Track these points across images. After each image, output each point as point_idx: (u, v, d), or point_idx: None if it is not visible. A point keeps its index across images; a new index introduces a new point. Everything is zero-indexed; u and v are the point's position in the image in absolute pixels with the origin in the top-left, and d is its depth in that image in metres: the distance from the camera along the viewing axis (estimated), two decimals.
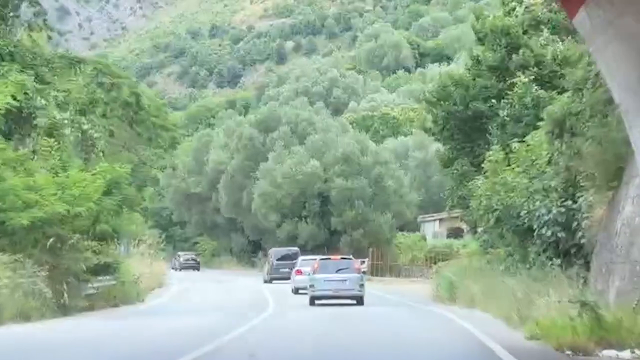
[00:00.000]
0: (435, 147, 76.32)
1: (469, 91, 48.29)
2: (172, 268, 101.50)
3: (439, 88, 50.07)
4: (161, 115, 68.55)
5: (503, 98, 45.43)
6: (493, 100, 46.39)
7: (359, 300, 40.37)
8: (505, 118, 43.91)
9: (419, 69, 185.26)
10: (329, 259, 44.03)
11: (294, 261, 60.53)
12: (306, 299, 42.24)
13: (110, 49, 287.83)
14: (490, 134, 45.35)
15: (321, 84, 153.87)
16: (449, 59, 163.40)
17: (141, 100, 58.73)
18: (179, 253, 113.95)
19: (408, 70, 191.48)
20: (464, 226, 75.56)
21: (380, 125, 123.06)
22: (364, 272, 50.75)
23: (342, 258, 44.99)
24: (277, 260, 72.04)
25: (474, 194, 38.25)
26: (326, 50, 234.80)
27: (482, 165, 40.14)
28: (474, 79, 48.67)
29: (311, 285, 40.70)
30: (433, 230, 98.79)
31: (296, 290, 52.03)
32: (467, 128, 49.01)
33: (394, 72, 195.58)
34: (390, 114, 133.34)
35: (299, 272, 52.82)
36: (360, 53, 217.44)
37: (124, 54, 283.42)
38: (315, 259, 46.45)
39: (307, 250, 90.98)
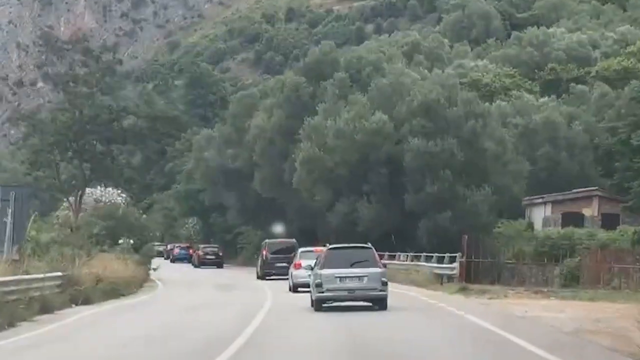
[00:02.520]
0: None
1: None
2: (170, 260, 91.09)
3: None
4: None
5: None
6: None
7: (381, 304, 29.31)
8: None
9: (514, 33, 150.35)
10: (341, 248, 30.84)
11: (291, 255, 49.05)
12: (307, 300, 31.15)
13: (184, 36, 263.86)
14: None
15: (400, 50, 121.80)
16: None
17: None
18: (200, 245, 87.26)
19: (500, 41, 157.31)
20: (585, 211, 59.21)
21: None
22: (451, 277, 39.19)
23: (358, 247, 31.03)
24: (272, 253, 56.69)
25: None
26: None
27: None
28: None
29: (317, 284, 29.11)
30: (543, 215, 65.85)
31: (294, 288, 41.86)
32: None
33: (485, 42, 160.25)
34: (481, 80, 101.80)
35: (298, 265, 42.43)
36: (446, 24, 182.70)
37: (197, 41, 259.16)
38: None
39: (371, 239, 59.37)
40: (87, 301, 34.40)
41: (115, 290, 39.66)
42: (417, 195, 59.33)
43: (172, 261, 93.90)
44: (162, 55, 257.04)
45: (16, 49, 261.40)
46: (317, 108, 64.89)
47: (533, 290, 38.27)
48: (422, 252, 51.89)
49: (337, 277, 28.93)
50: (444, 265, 43.49)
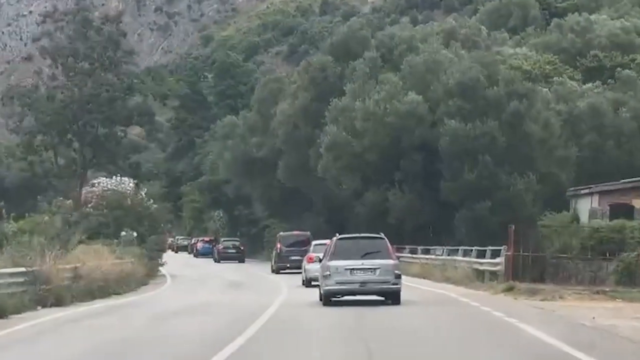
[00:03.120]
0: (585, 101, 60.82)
1: None
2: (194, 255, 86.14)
3: None
4: None
5: None
6: None
7: (394, 298, 27.03)
8: None
9: (554, 20, 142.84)
10: (352, 238, 28.21)
11: (305, 248, 45.12)
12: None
13: (219, 30, 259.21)
14: None
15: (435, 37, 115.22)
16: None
17: None
18: (221, 239, 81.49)
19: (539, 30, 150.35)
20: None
21: None
22: (494, 273, 33.77)
23: (370, 237, 28.31)
24: (286, 247, 53.80)
25: None
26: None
27: None
28: None
29: (325, 276, 26.86)
30: (589, 207, 58.63)
31: (308, 282, 38.46)
32: None
33: (523, 30, 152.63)
34: (521, 67, 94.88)
35: (311, 259, 38.60)
36: (482, 14, 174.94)
37: (231, 34, 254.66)
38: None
39: (404, 232, 53.67)
40: (60, 302, 28.37)
41: (103, 288, 33.60)
42: (453, 183, 52.90)
43: (196, 256, 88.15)
44: (195, 49, 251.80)
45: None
46: (344, 89, 58.53)
47: (593, 289, 31.69)
48: (459, 246, 45.54)
49: (347, 269, 26.57)
50: (486, 261, 36.98)
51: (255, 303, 29.62)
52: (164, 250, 54.52)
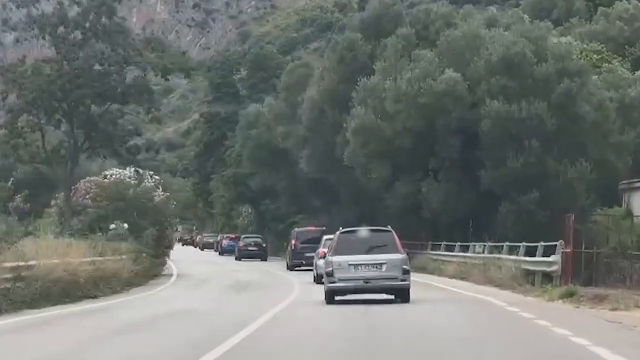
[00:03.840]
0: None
1: None
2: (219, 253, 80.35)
3: None
4: None
5: None
6: None
7: (403, 295, 24.88)
8: None
9: (600, 8, 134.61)
10: (356, 231, 25.78)
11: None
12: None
13: (257, 27, 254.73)
14: None
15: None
16: None
17: None
18: (242, 236, 75.12)
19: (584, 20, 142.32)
20: None
21: None
22: (548, 274, 27.55)
23: (376, 230, 26.04)
24: (301, 243, 50.56)
25: None
26: None
27: None
28: None
29: (329, 273, 24.84)
30: None
31: (319, 278, 34.05)
32: None
33: (567, 21, 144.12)
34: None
35: (322, 254, 34.88)
36: (525, 6, 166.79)
37: (269, 30, 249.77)
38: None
39: (439, 226, 47.28)
40: None
41: (69, 292, 27.16)
42: (496, 171, 45.88)
43: (221, 254, 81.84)
44: (233, 45, 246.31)
45: None
46: (374, 68, 51.64)
47: None
48: (503, 242, 38.62)
49: (350, 264, 24.67)
50: (539, 259, 29.77)
51: (247, 311, 23.48)
52: (170, 247, 47.93)
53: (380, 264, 24.47)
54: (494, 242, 39.19)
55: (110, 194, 45.46)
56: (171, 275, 46.77)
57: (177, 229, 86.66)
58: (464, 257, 39.98)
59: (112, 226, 40.13)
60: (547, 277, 29.30)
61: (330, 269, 24.67)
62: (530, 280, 30.05)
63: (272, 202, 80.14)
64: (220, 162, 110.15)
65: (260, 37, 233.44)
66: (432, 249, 47.79)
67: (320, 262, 34.33)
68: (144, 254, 39.28)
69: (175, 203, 62.59)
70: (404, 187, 48.59)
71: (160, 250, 45.81)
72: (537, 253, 30.01)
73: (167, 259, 46.41)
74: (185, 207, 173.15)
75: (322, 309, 24.10)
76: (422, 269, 45.12)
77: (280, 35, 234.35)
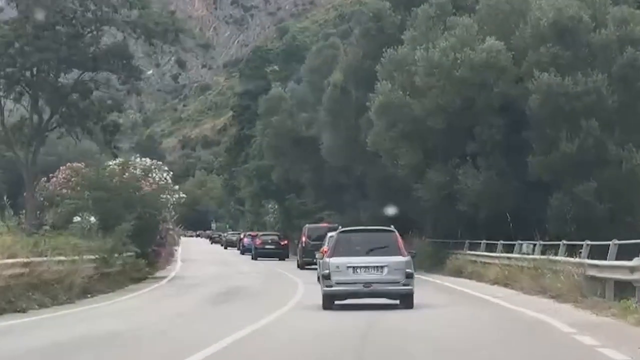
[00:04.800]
0: None
1: None
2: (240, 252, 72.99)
3: None
4: None
5: None
6: None
7: (406, 301, 22.72)
8: None
9: None
10: (356, 231, 24.42)
11: None
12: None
13: (295, 23, 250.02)
14: None
15: None
16: None
17: None
18: (259, 233, 68.07)
19: None
20: None
21: None
22: (633, 283, 19.79)
23: (377, 230, 24.49)
24: (313, 240, 45.33)
25: None
26: None
27: None
28: None
29: (325, 276, 22.75)
30: None
31: None
32: None
33: None
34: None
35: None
36: None
37: (307, 26, 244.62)
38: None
39: (479, 222, 39.91)
40: None
41: None
42: (546, 157, 37.75)
43: (242, 252, 74.48)
44: (271, 42, 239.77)
45: None
46: (403, 37, 43.69)
47: None
48: (556, 241, 30.65)
49: (349, 267, 22.46)
50: (614, 263, 21.47)
51: (205, 332, 17.25)
52: (162, 245, 40.30)
53: (382, 267, 22.41)
54: (546, 240, 31.13)
55: (90, 182, 38.02)
56: (163, 278, 39.31)
57: (176, 225, 79.12)
58: (509, 258, 31.90)
59: (77, 219, 32.56)
60: (621, 286, 21.27)
61: (327, 271, 22.45)
62: (599, 292, 21.98)
63: (297, 196, 72.50)
64: (251, 156, 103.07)
65: (298, 32, 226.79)
66: (470, 249, 39.74)
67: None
68: (118, 254, 31.66)
69: (183, 196, 55.40)
70: (437, 175, 40.54)
71: (148, 249, 38.27)
72: (609, 255, 21.88)
73: (171, 257, 39.00)
74: (220, 204, 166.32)
75: (310, 327, 16.95)
76: (458, 273, 37.15)
77: (319, 30, 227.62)
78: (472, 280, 33.92)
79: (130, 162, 41.60)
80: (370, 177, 49.32)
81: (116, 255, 31.63)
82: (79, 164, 39.91)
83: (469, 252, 39.22)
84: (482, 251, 37.18)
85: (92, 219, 32.65)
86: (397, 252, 22.57)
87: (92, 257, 29.53)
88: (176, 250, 61.98)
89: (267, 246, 62.11)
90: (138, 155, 55.75)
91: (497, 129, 39.36)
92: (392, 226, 23.52)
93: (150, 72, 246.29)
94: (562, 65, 38.41)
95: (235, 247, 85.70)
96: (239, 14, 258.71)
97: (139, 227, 36.49)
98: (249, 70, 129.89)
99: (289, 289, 30.63)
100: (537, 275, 26.36)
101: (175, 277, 40.58)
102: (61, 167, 40.25)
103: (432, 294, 27.45)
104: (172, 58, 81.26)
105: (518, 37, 40.23)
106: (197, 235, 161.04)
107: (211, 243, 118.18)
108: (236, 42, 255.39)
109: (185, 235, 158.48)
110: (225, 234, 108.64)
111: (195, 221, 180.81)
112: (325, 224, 49.90)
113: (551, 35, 39.14)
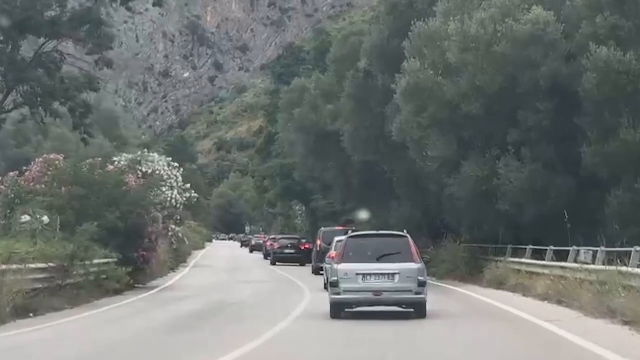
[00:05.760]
0: None
1: None
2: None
3: None
4: None
5: None
6: None
7: (419, 309, 21.49)
8: None
9: None
10: (365, 236, 23.14)
11: None
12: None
13: (332, 25, 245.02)
14: None
15: None
16: None
17: None
18: (277, 236, 63.22)
19: None
20: None
21: None
22: None
23: (388, 235, 23.12)
24: (328, 244, 38.62)
25: None
26: None
27: None
28: None
29: (333, 283, 21.59)
30: None
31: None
32: None
33: None
34: None
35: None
36: None
37: (344, 27, 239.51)
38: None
39: (523, 224, 33.35)
40: None
41: None
42: (603, 146, 31.08)
43: (265, 256, 68.69)
44: (308, 43, 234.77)
45: (162, 39, 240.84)
46: (434, 10, 37.26)
47: None
48: (616, 246, 24.19)
49: (358, 274, 21.11)
50: None
51: None
52: (153, 249, 34.07)
53: (393, 274, 21.27)
54: (608, 246, 24.56)
55: (66, 176, 32.02)
56: (152, 288, 33.20)
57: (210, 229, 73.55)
58: (562, 268, 25.33)
59: (25, 218, 26.43)
60: None
61: (335, 278, 21.50)
62: None
63: (323, 197, 66.25)
64: (274, 154, 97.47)
65: (333, 33, 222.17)
66: (512, 255, 33.17)
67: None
68: (80, 261, 25.54)
69: (195, 195, 49.52)
70: (473, 169, 33.95)
71: (134, 254, 32.17)
72: None
73: (139, 263, 32.86)
74: (254, 207, 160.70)
75: None
76: (500, 285, 30.55)
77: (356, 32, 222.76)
78: (515, 294, 27.44)
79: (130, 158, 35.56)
80: (398, 173, 42.91)
81: (79, 262, 25.46)
82: (57, 155, 33.90)
83: (511, 259, 32.63)
84: (528, 258, 30.63)
85: (45, 218, 26.52)
86: (410, 259, 21.21)
87: (43, 265, 23.40)
88: (189, 255, 56.01)
89: (286, 250, 56.27)
90: (163, 154, 50.07)
91: (545, 114, 32.69)
92: (404, 231, 22.33)
93: (187, 74, 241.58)
94: (623, 37, 31.72)
95: (261, 251, 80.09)
96: (276, 16, 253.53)
97: (120, 228, 30.53)
98: (281, 68, 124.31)
99: (292, 300, 25.88)
100: (603, 293, 19.83)
101: (168, 287, 34.47)
102: (36, 159, 34.27)
103: (469, 313, 21.46)
104: (209, 60, 75.35)
105: (569, 6, 33.60)
106: (230, 238, 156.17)
107: (241, 246, 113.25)
108: (273, 43, 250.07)
109: (217, 238, 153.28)
110: (252, 238, 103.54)
111: (230, 224, 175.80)
112: (340, 228, 45.94)
113: (609, 3, 32.55)
